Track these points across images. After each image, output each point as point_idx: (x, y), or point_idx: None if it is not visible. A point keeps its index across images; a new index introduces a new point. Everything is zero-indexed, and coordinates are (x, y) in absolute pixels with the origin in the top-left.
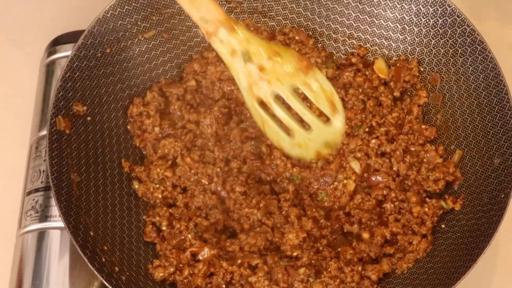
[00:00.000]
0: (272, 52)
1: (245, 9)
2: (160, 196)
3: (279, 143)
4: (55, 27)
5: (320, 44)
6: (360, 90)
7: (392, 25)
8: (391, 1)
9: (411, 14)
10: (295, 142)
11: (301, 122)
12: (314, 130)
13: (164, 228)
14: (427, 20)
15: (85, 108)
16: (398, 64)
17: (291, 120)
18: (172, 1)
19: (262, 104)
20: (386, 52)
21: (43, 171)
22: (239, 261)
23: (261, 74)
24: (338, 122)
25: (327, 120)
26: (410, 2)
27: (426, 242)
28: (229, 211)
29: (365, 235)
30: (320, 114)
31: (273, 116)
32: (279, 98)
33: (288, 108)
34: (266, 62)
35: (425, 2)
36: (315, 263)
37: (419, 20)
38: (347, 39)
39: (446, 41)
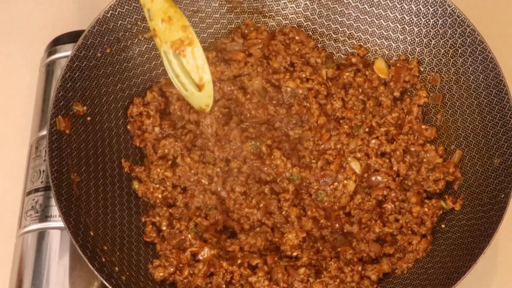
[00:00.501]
0: (167, 16)
1: (245, 9)
2: (160, 196)
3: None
4: (55, 27)
5: (320, 44)
6: (360, 90)
7: (392, 25)
8: (391, 1)
9: (411, 14)
10: (181, 91)
11: None
12: (188, 92)
13: (164, 228)
14: (427, 20)
15: (85, 108)
16: (398, 64)
17: (173, 75)
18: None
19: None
20: (386, 52)
21: (43, 171)
22: (239, 261)
23: (157, 32)
24: (205, 96)
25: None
26: (410, 2)
27: (425, 242)
28: (229, 211)
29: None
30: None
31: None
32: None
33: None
34: (161, 24)
35: (425, 2)
36: (315, 263)
37: (419, 20)
38: (347, 39)
39: (446, 41)
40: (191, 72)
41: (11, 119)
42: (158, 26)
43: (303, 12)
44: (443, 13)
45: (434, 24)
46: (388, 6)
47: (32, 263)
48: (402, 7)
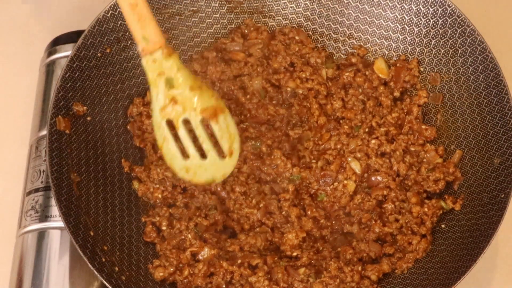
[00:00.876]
0: (196, 85)
1: (245, 9)
2: (160, 196)
3: (170, 162)
4: (55, 27)
5: (320, 44)
6: (360, 90)
7: (392, 25)
8: (391, 1)
9: (411, 14)
10: (186, 165)
11: (200, 151)
12: (208, 159)
13: (164, 228)
14: (427, 20)
15: (85, 108)
16: (398, 64)
17: (191, 144)
18: (172, 1)
19: (168, 124)
20: (386, 52)
21: (43, 171)
22: (239, 261)
23: (179, 100)
24: (229, 165)
25: (223, 156)
26: (410, 2)
27: (425, 242)
28: (229, 211)
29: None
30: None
31: (175, 137)
32: (185, 123)
33: (192, 136)
34: (188, 91)
35: (425, 2)
36: (315, 263)
37: (419, 20)
38: (347, 39)
39: (446, 41)
40: (221, 139)
41: (11, 119)
42: (183, 94)
43: (303, 12)
44: (443, 13)
45: (434, 24)
46: (388, 6)
47: (32, 263)
48: (402, 7)
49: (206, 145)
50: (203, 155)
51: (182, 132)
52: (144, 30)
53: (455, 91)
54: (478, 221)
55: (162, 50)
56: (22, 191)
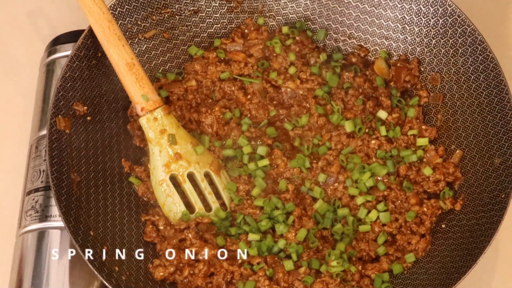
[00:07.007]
0: (194, 141)
1: (245, 9)
2: None
3: (175, 217)
4: (55, 27)
5: (321, 44)
6: (360, 90)
7: (392, 25)
8: (392, 1)
9: (411, 14)
10: (191, 218)
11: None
12: (213, 211)
13: (161, 227)
14: (428, 20)
15: (85, 108)
16: (398, 64)
17: (198, 197)
18: (172, 1)
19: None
20: (387, 52)
21: (43, 171)
22: (239, 261)
23: (183, 154)
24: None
25: (224, 208)
26: (410, 2)
27: (424, 242)
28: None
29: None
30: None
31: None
32: (189, 176)
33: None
34: (190, 147)
35: (426, 2)
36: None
37: (420, 20)
38: (347, 39)
39: (446, 41)
40: (223, 191)
41: (11, 119)
42: (186, 149)
43: (303, 12)
44: (443, 13)
45: (435, 24)
46: (388, 6)
47: (32, 263)
48: (403, 7)
49: (212, 197)
50: (206, 207)
51: (188, 186)
52: (143, 89)
53: (455, 91)
54: (479, 221)
55: (162, 108)
56: (22, 191)
